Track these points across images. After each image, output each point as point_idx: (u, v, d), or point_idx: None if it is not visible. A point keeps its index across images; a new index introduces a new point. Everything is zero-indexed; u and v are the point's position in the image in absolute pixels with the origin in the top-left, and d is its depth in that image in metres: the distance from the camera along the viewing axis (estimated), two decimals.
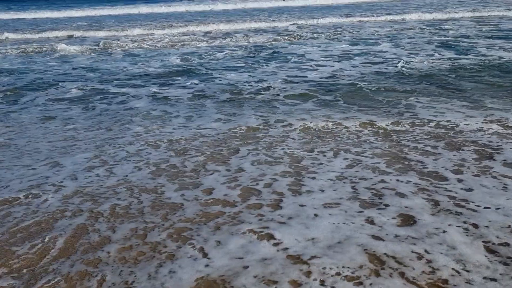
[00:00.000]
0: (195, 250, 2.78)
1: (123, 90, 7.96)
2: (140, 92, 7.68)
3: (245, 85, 7.80)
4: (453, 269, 2.45)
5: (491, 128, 4.80)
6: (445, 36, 12.91)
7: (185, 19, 25.02)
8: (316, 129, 5.12)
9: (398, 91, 6.77)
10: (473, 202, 3.21)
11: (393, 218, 3.05)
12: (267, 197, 3.46)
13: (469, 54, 9.67)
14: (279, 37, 14.59)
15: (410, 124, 5.11)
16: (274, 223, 3.06)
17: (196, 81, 8.42)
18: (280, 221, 3.07)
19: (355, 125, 5.15)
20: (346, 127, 5.13)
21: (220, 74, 9.06)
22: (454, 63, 8.82)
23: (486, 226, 2.88)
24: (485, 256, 2.55)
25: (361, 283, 2.37)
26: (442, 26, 15.24)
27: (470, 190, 3.39)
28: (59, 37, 17.90)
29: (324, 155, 4.29)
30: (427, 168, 3.86)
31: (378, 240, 2.78)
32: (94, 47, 14.31)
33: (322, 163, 4.09)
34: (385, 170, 3.86)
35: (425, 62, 9.03)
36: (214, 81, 8.39)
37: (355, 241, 2.77)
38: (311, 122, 5.36)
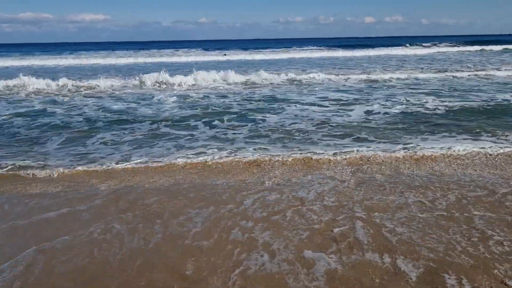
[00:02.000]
0: None
1: (183, 132, 8.82)
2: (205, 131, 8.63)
3: (289, 125, 9.03)
4: None
5: None
6: (419, 89, 15.27)
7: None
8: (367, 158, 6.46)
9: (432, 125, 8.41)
10: None
11: None
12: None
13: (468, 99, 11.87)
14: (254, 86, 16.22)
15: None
16: None
17: (244, 123, 9.51)
18: None
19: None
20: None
21: (258, 115, 10.23)
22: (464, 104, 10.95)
23: None
24: None
25: None
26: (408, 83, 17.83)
27: None
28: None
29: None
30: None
31: None
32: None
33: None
34: None
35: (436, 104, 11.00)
36: (257, 121, 9.55)
37: None
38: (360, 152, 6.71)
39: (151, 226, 4.13)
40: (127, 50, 70.08)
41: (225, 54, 45.94)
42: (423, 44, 61.70)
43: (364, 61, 32.50)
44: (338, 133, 8.24)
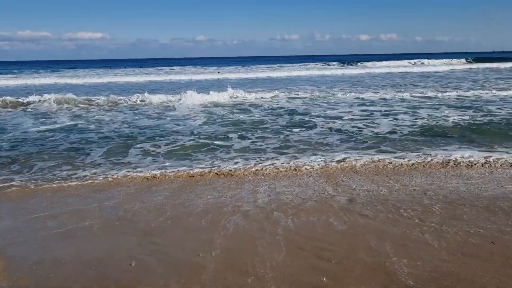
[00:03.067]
0: None
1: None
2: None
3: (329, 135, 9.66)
4: None
5: None
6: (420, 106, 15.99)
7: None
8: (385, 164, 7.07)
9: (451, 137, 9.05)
10: None
11: None
12: None
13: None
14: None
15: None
16: None
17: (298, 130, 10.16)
18: None
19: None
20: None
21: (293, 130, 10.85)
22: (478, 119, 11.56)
23: None
24: None
25: None
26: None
27: None
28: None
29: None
30: None
31: None
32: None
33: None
34: None
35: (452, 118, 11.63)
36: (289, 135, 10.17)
37: None
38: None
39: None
40: (125, 67, 70.59)
41: (218, 72, 46.27)
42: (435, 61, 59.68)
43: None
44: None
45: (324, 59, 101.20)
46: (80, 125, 12.40)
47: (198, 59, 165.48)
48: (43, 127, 12.06)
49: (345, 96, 18.63)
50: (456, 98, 16.93)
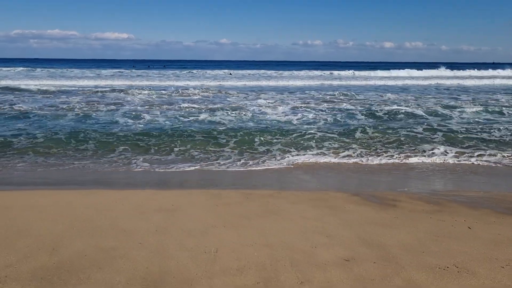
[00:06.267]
0: None
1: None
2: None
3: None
4: None
5: None
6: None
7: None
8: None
9: None
10: None
11: None
12: None
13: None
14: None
15: None
16: None
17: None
18: None
19: None
20: None
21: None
22: None
23: None
24: None
25: None
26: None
27: None
28: None
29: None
30: None
31: None
32: None
33: None
34: None
35: None
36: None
37: None
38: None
39: None
40: (148, 67, 71.15)
41: (230, 73, 47.12)
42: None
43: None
44: None
45: (350, 65, 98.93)
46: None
47: (223, 62, 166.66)
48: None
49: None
50: None
